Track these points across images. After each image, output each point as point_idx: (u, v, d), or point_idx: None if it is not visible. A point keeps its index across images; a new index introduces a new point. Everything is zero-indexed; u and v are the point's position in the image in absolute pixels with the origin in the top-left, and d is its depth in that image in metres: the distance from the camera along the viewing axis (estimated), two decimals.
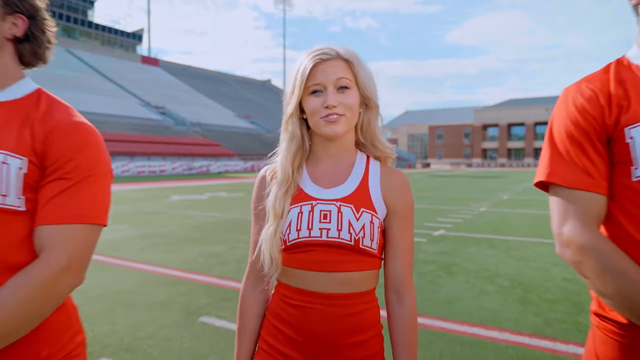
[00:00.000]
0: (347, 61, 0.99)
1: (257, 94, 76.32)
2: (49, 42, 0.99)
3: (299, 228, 0.97)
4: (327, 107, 0.95)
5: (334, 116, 0.96)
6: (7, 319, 0.78)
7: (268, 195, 1.02)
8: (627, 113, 0.84)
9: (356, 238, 0.96)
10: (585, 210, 0.86)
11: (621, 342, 0.85)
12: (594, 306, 0.94)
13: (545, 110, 74.08)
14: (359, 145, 1.08)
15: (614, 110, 0.86)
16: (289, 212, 0.99)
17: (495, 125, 79.57)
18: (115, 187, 18.71)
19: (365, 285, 1.00)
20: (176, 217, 8.74)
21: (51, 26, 0.99)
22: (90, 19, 66.74)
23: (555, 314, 3.28)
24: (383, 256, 1.04)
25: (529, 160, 74.00)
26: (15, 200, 0.85)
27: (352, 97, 0.98)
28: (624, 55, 0.94)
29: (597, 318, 0.93)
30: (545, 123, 75.33)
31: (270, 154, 1.07)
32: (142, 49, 74.10)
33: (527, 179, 25.53)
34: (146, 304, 3.51)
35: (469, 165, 71.26)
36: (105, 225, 0.92)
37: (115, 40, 69.65)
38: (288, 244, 0.98)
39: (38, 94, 0.96)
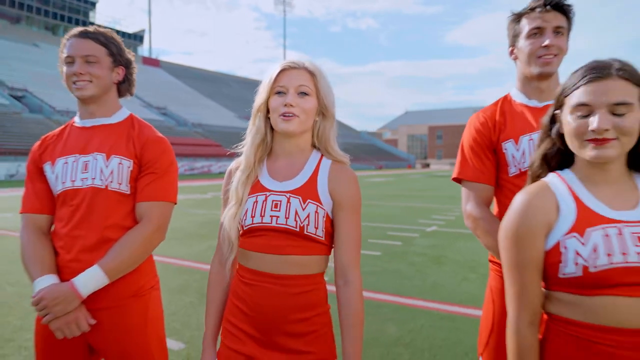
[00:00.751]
0: (311, 73, 1.14)
1: None
2: (134, 80, 1.46)
3: (253, 215, 1.12)
4: (285, 105, 1.10)
5: (290, 114, 1.10)
6: (128, 257, 1.28)
7: (228, 184, 1.20)
8: (504, 133, 1.35)
9: (301, 225, 1.09)
10: (479, 195, 1.38)
11: (501, 276, 1.35)
12: (489, 256, 1.44)
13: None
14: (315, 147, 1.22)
15: (496, 131, 1.37)
16: (247, 200, 1.14)
17: None
18: None
19: (311, 268, 1.12)
20: (183, 214, 9.19)
21: (135, 68, 1.47)
22: (91, 20, 67.10)
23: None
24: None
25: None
26: (126, 188, 1.34)
27: (309, 103, 1.12)
28: (508, 93, 1.45)
29: (490, 263, 1.44)
30: None
31: (236, 145, 1.22)
32: (143, 50, 74.35)
33: None
34: (165, 289, 3.94)
35: None
36: (176, 204, 1.39)
37: None
38: (245, 228, 1.14)
39: (131, 118, 1.46)
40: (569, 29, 1.34)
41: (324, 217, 1.11)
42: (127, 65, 1.44)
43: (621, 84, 0.88)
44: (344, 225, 1.13)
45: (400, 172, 38.49)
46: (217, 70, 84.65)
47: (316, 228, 1.10)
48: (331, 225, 1.14)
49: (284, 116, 1.10)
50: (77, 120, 1.44)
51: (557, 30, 1.31)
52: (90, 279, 1.23)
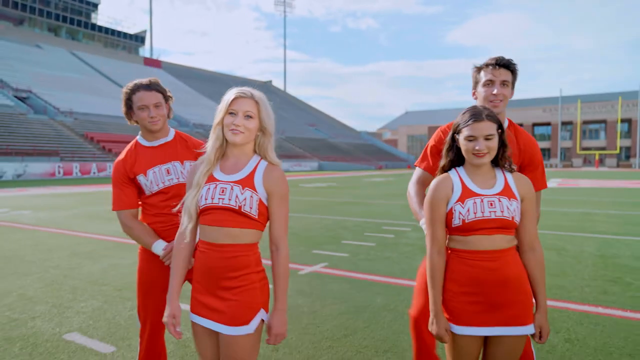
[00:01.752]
0: (256, 102, 1.53)
1: None
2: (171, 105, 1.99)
3: (206, 198, 1.52)
4: (234, 124, 1.49)
5: (237, 131, 1.50)
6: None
7: (194, 173, 1.59)
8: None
9: (239, 205, 1.48)
10: (419, 177, 1.95)
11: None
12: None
13: (542, 112, 74.73)
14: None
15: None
16: (202, 187, 1.54)
17: None
18: None
19: (244, 239, 1.51)
20: None
21: (171, 98, 2.02)
22: (93, 21, 67.57)
23: None
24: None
25: None
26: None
27: (252, 124, 1.52)
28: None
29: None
30: (544, 124, 76.07)
31: (202, 148, 1.63)
32: (145, 50, 74.75)
33: None
34: None
35: None
36: None
37: (118, 42, 70.50)
38: (200, 207, 1.52)
39: (179, 134, 2.08)
40: (513, 81, 1.92)
41: (257, 201, 1.51)
42: (168, 99, 2.05)
43: (489, 124, 1.55)
44: (275, 209, 1.55)
45: (400, 172, 38.90)
46: (218, 71, 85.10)
47: (251, 208, 1.50)
48: (266, 210, 1.55)
49: (233, 131, 1.51)
50: (143, 142, 2.06)
51: (504, 83, 1.88)
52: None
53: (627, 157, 69.50)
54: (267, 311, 1.55)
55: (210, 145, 1.56)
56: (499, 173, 1.63)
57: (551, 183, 21.72)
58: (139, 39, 73.36)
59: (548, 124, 74.72)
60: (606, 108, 70.24)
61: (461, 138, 1.59)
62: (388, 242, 6.12)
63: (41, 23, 61.97)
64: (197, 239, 1.61)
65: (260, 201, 1.51)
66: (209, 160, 1.55)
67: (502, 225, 1.53)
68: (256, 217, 1.51)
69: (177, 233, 1.60)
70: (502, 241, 1.53)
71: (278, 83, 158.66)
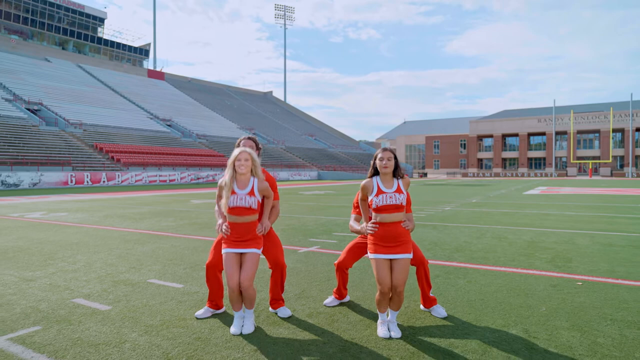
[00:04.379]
0: (250, 154, 3.04)
1: (260, 106, 78.86)
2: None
3: (232, 203, 2.99)
4: (240, 165, 3.01)
5: (242, 167, 3.00)
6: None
7: (222, 189, 3.06)
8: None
9: (249, 205, 2.99)
10: (354, 217, 3.62)
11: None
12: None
13: (537, 122, 76.40)
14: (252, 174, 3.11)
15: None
16: (229, 197, 2.99)
17: (490, 136, 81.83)
18: (140, 194, 21.12)
19: (251, 219, 3.04)
20: (204, 214, 11.18)
21: (261, 149, 3.58)
22: (99, 35, 69.52)
23: (447, 252, 5.69)
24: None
25: (522, 169, 76.08)
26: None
27: (249, 163, 3.03)
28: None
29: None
30: (539, 134, 77.80)
31: (223, 174, 3.69)
32: (149, 62, 76.55)
33: (506, 187, 27.88)
34: (202, 257, 5.94)
35: (465, 174, 73.26)
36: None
37: (122, 55, 72.42)
38: (229, 208, 3.00)
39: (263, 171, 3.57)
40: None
41: (257, 201, 3.06)
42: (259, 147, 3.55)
43: (390, 153, 3.06)
44: (266, 202, 3.21)
45: None
46: (219, 82, 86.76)
47: (254, 204, 3.05)
48: (260, 204, 3.14)
49: (239, 167, 3.02)
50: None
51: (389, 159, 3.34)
52: None
53: (621, 166, 71.06)
54: (260, 248, 3.15)
55: (228, 174, 3.05)
56: (395, 180, 3.04)
57: (535, 190, 23.25)
58: (143, 51, 75.31)
59: (543, 133, 76.43)
60: (599, 118, 71.96)
61: (377, 160, 3.05)
62: None
63: (49, 37, 63.85)
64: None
65: (258, 202, 3.10)
66: (228, 184, 3.03)
67: (396, 208, 2.97)
68: (256, 209, 3.07)
69: (217, 211, 3.27)
70: (397, 217, 2.96)
71: (279, 93, 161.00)
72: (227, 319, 3.27)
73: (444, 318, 3.30)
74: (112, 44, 70.48)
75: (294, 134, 67.19)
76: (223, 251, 3.06)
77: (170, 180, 34.85)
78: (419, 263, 3.42)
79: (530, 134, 78.56)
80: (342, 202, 15.09)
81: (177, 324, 3.15)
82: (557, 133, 75.03)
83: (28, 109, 38.16)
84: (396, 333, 2.94)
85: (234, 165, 3.02)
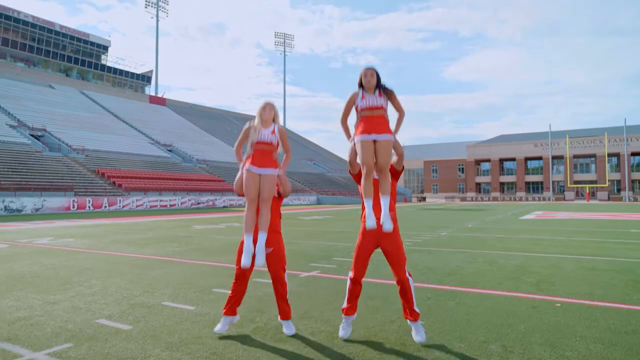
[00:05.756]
0: (273, 104, 3.82)
1: None
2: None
3: (258, 138, 3.66)
4: (264, 111, 3.77)
5: (266, 114, 3.72)
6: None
7: (248, 130, 3.73)
8: None
9: (270, 140, 3.67)
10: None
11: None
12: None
13: (534, 146, 77.47)
14: None
15: None
16: (257, 133, 3.70)
17: (488, 161, 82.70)
18: (142, 219, 21.47)
19: (272, 149, 3.71)
20: (207, 239, 11.56)
21: None
22: (103, 62, 71.03)
23: (439, 276, 6.07)
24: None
25: (520, 193, 76.65)
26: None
27: (272, 112, 3.81)
28: None
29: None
30: (536, 158, 78.77)
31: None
32: (150, 88, 77.84)
33: (503, 212, 28.28)
34: (210, 282, 6.31)
35: (463, 198, 73.71)
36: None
37: (125, 81, 73.81)
38: (256, 142, 3.67)
39: None
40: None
41: (277, 139, 3.75)
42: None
43: (373, 70, 3.58)
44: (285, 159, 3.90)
45: (397, 205, 40.81)
46: (220, 107, 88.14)
47: (274, 141, 3.72)
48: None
49: (264, 113, 3.72)
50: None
51: None
52: None
53: (619, 190, 71.68)
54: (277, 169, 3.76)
55: (256, 120, 3.72)
56: (377, 89, 3.58)
57: (531, 215, 23.66)
58: (145, 78, 76.76)
59: (540, 158, 77.35)
60: (595, 143, 73.03)
61: (362, 77, 3.56)
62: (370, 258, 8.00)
63: (53, 64, 65.21)
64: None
65: (278, 141, 3.76)
66: (256, 125, 3.72)
67: (377, 109, 3.49)
68: (276, 145, 3.75)
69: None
70: (379, 112, 3.48)
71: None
72: (239, 338, 3.65)
73: (423, 343, 3.42)
74: (115, 70, 71.93)
75: (293, 158, 67.82)
76: (246, 167, 3.65)
77: (171, 205, 35.22)
78: (399, 282, 3.68)
79: (527, 158, 79.45)
80: (341, 228, 15.47)
81: (194, 341, 3.53)
82: (553, 157, 75.90)
83: (32, 135, 38.84)
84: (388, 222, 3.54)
85: (260, 113, 3.73)
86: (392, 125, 3.58)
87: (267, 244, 3.71)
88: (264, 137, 3.66)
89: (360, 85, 3.57)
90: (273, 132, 3.70)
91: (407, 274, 3.62)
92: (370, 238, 3.67)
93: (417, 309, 3.61)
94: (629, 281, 5.79)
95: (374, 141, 3.44)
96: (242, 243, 3.72)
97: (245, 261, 3.52)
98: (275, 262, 3.77)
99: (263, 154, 3.64)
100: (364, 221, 3.64)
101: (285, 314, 3.80)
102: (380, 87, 3.55)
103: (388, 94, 3.55)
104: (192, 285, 5.67)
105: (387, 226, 3.47)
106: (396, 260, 3.60)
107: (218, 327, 3.71)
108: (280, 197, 3.93)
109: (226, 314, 3.76)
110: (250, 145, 3.69)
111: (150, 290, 5.36)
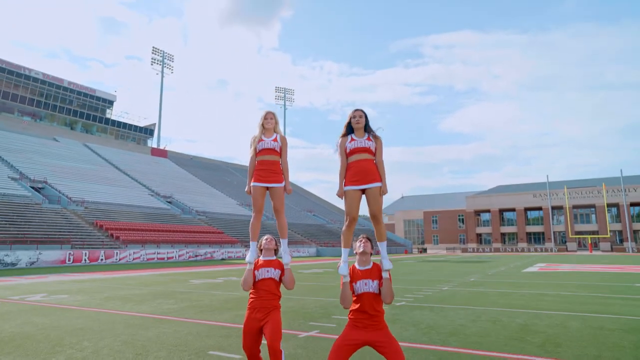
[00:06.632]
0: (274, 113, 4.20)
1: None
2: None
3: (261, 146, 4.03)
4: (266, 121, 4.11)
5: (269, 123, 4.11)
6: None
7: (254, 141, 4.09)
8: None
9: (273, 147, 4.05)
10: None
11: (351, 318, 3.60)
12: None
13: (533, 197, 77.55)
14: None
15: None
16: (259, 142, 4.08)
17: (487, 211, 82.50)
18: (138, 273, 21.08)
19: (276, 159, 4.08)
20: (205, 295, 11.30)
21: None
22: (107, 116, 72.64)
23: (442, 336, 5.87)
24: None
25: (522, 244, 75.79)
26: None
27: (273, 122, 4.18)
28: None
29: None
30: (535, 208, 78.63)
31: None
32: (153, 140, 79.10)
33: (505, 264, 27.89)
34: (206, 343, 6.12)
35: (465, 250, 72.81)
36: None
37: (128, 134, 75.12)
38: (260, 150, 4.05)
39: None
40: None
41: (279, 146, 4.08)
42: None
43: (361, 112, 3.78)
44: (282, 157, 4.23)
45: (396, 257, 40.31)
46: (219, 159, 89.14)
47: (277, 148, 4.07)
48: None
49: (267, 123, 4.10)
50: None
51: None
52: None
53: (621, 241, 71.02)
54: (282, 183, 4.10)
55: (259, 130, 4.06)
56: (365, 133, 3.69)
57: (534, 267, 23.30)
58: (148, 131, 78.16)
59: (540, 208, 77.24)
60: (593, 193, 73.23)
61: (351, 119, 3.69)
62: None
63: (59, 118, 66.66)
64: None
65: (280, 147, 4.10)
66: (258, 135, 4.09)
67: (365, 150, 3.60)
68: (279, 152, 4.09)
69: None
70: (366, 156, 3.60)
71: None
72: None
73: None
74: (119, 124, 73.39)
75: (293, 210, 67.83)
76: (252, 184, 3.93)
77: (168, 258, 34.72)
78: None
79: (527, 209, 79.33)
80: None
81: None
82: (553, 208, 75.85)
83: (32, 187, 38.97)
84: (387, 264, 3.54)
85: (262, 123, 4.01)
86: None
87: (266, 317, 3.76)
88: (267, 144, 3.96)
89: (348, 126, 3.69)
90: (275, 139, 4.00)
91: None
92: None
93: None
94: (638, 342, 5.61)
95: (363, 190, 3.52)
96: (245, 323, 3.81)
97: (249, 257, 3.85)
98: (271, 334, 3.69)
99: (268, 164, 3.95)
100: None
101: None
102: (369, 132, 3.66)
103: (376, 140, 3.66)
104: (187, 347, 5.48)
105: (387, 265, 3.53)
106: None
107: None
108: (280, 282, 3.96)
109: None
110: (255, 154, 4.01)
111: (143, 354, 5.17)
